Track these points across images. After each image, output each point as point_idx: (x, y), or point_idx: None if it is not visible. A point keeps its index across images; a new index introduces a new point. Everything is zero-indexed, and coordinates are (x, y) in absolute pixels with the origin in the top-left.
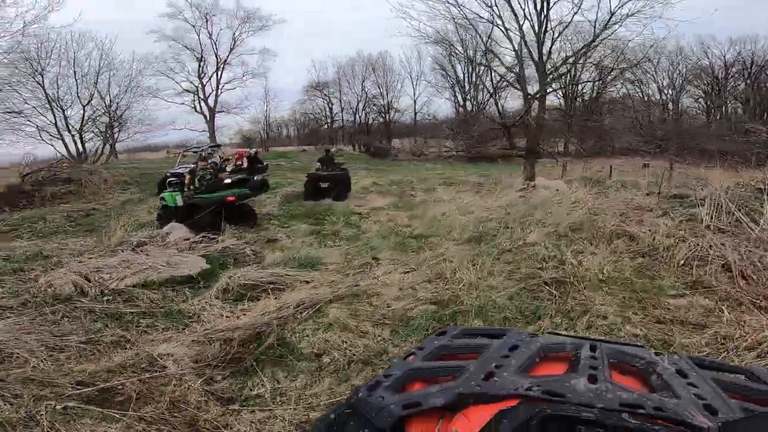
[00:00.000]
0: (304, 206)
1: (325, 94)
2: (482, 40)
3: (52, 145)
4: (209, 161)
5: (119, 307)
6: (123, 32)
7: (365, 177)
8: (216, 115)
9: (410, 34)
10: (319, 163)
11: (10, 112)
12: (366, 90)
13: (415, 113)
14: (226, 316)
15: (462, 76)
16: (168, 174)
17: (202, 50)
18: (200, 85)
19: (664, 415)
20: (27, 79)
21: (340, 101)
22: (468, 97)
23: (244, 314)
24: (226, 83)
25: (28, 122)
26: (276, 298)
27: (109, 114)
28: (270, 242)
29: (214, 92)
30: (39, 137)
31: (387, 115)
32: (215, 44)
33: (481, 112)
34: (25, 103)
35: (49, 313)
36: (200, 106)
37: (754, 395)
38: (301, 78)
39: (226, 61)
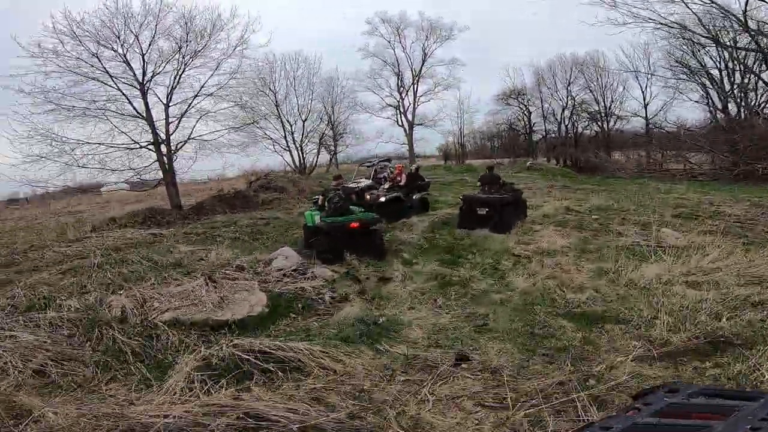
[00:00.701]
0: (453, 235)
1: (521, 102)
2: (737, 20)
3: (281, 156)
4: (380, 176)
5: (131, 344)
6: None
7: (557, 198)
8: (414, 127)
9: (618, 21)
10: (479, 183)
11: (249, 123)
12: (573, 95)
13: (647, 120)
14: (160, 400)
15: (718, 71)
16: (343, 187)
17: (398, 65)
18: (400, 99)
19: None
20: (263, 96)
21: (542, 109)
22: (731, 95)
23: (176, 404)
24: (421, 96)
25: (266, 136)
26: (238, 395)
27: (333, 127)
28: (382, 281)
29: (412, 105)
30: (273, 149)
31: (604, 123)
32: (409, 58)
33: (756, 115)
34: (264, 118)
35: (78, 334)
36: (401, 119)
37: None
38: (494, 86)
39: (419, 74)
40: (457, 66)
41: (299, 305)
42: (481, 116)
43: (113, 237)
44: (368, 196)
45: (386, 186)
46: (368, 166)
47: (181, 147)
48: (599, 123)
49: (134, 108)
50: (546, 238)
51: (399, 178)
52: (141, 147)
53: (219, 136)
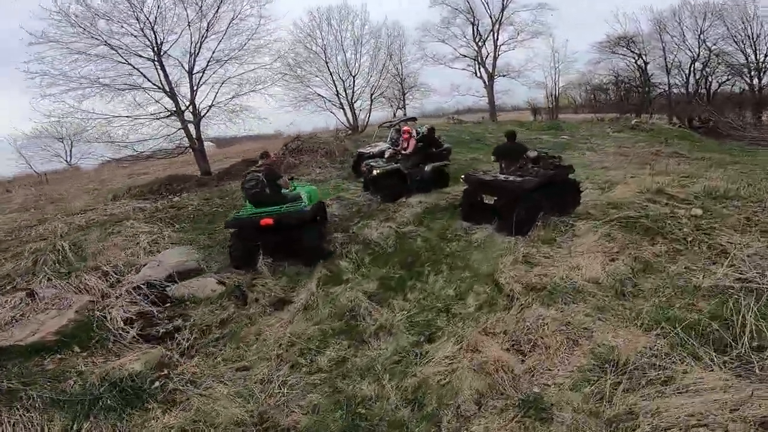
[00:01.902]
0: (441, 233)
1: (633, 51)
2: None
3: (332, 113)
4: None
5: None
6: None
7: (654, 173)
8: (495, 79)
9: None
10: (494, 158)
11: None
12: (708, 44)
13: None
14: None
15: None
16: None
17: (473, 12)
18: (477, 49)
19: None
20: (315, 56)
21: (665, 59)
22: None
23: None
24: (502, 45)
25: (318, 95)
26: None
27: (401, 80)
28: (277, 305)
29: (492, 55)
30: (324, 106)
31: (756, 79)
32: (486, 4)
33: None
34: (315, 76)
35: None
36: (478, 70)
37: None
38: (588, 35)
39: (499, 21)
40: (545, 11)
41: (95, 339)
42: (580, 65)
43: (103, 211)
44: (363, 168)
45: (387, 155)
46: (388, 127)
47: (206, 112)
48: (746, 78)
49: (147, 79)
50: (579, 254)
51: (405, 145)
52: (170, 115)
53: (232, 101)
